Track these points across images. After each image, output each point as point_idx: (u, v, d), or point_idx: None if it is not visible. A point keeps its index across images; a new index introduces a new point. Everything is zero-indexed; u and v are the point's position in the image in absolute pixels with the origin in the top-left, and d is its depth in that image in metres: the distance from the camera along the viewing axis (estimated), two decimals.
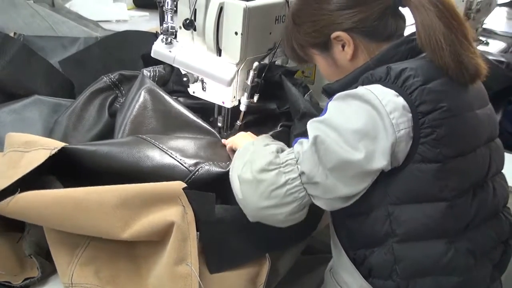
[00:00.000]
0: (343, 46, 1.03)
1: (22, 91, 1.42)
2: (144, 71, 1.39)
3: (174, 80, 1.43)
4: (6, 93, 1.42)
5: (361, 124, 0.88)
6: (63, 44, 1.80)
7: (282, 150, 0.99)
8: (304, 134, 0.95)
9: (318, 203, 0.95)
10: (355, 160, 0.88)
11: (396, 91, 0.90)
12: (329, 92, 1.05)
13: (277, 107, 1.41)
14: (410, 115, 0.89)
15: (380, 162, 0.89)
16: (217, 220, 0.99)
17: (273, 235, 1.04)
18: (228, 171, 1.05)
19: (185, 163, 1.07)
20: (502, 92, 2.29)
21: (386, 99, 0.88)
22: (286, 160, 0.94)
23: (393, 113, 0.88)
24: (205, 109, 1.39)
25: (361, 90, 0.91)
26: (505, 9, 3.64)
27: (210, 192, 0.99)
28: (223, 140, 1.23)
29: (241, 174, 0.96)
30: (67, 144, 1.01)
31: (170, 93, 1.38)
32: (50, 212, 0.90)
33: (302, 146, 0.94)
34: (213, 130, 1.29)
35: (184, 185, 0.96)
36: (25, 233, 1.02)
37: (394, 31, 1.03)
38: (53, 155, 0.96)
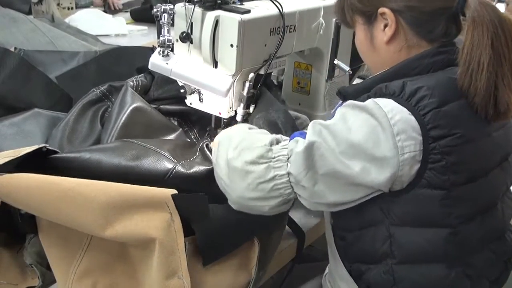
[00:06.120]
0: (385, 26, 0.97)
1: (22, 104, 1.44)
2: (129, 81, 1.41)
3: (154, 89, 1.45)
4: (6, 106, 1.44)
5: (362, 138, 0.85)
6: (62, 58, 1.82)
7: (277, 142, 0.95)
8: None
9: (303, 202, 0.94)
10: (347, 173, 0.86)
11: (409, 110, 0.84)
12: (344, 95, 1.01)
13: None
14: (420, 138, 0.84)
15: (376, 179, 0.85)
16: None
17: (257, 219, 1.03)
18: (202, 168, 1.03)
19: (169, 155, 1.05)
20: None
21: (396, 118, 0.84)
22: (278, 156, 0.92)
23: (400, 134, 0.83)
24: (183, 113, 1.44)
25: (371, 103, 0.87)
26: None
27: (192, 186, 0.98)
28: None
29: (230, 159, 0.93)
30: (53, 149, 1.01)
31: (152, 101, 1.41)
32: (37, 195, 0.88)
33: (296, 145, 0.90)
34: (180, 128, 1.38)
35: (174, 191, 0.92)
36: (26, 243, 1.03)
37: (442, 35, 0.95)
38: (42, 164, 0.96)
